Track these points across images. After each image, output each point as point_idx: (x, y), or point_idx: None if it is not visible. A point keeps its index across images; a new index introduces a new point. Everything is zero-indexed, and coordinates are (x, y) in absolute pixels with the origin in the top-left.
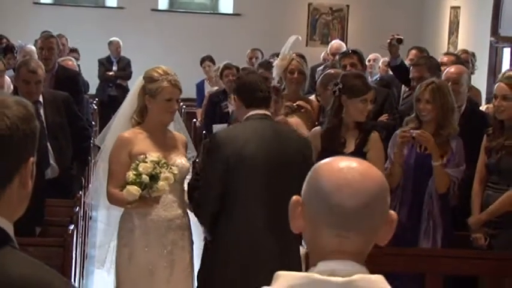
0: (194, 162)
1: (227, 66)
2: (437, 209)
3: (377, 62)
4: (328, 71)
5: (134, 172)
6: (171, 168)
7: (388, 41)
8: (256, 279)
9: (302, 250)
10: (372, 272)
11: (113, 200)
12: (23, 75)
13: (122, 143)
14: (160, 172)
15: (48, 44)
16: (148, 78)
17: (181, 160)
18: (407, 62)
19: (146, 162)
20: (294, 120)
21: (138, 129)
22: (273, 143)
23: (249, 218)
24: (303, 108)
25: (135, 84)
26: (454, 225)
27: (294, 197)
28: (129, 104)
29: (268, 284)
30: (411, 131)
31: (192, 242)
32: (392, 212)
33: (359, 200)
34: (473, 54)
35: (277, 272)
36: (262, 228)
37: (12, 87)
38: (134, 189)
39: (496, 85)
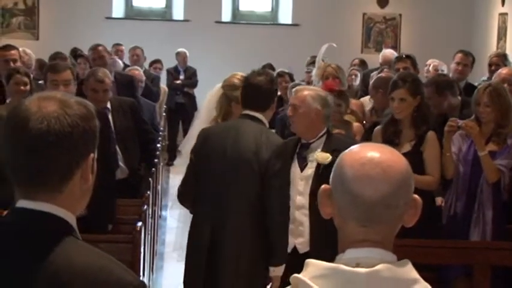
0: None
1: (280, 74)
2: (487, 201)
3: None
4: (380, 74)
5: None
6: None
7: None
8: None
9: None
10: (422, 264)
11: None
12: (91, 85)
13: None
14: None
15: (98, 53)
16: (232, 86)
17: None
18: (453, 65)
19: None
20: (356, 126)
21: None
22: (229, 141)
23: (207, 208)
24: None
25: (212, 92)
26: (506, 218)
27: (323, 186)
28: (207, 111)
29: None
30: (458, 121)
31: None
32: (416, 196)
33: (382, 194)
34: (504, 56)
35: (307, 259)
36: (217, 220)
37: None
38: None
39: None
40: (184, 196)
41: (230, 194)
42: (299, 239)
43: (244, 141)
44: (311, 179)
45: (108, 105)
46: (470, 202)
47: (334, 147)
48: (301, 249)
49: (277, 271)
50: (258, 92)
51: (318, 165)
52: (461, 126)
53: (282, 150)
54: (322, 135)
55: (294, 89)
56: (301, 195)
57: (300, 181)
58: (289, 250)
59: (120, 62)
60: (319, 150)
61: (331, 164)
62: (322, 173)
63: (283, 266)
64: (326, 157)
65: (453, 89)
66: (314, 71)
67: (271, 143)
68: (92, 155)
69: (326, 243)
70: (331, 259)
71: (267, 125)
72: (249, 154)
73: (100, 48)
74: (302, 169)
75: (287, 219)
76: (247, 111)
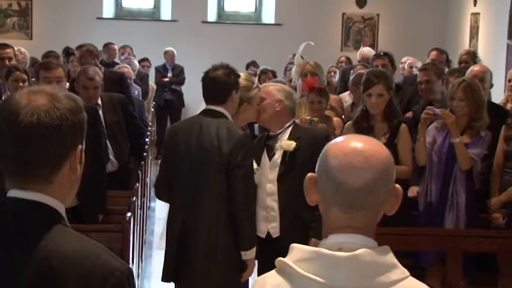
0: None
1: (263, 71)
2: (461, 188)
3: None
4: (359, 71)
5: None
6: None
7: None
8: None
9: None
10: (399, 251)
11: None
12: (82, 82)
13: None
14: None
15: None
16: (243, 88)
17: None
18: (428, 62)
19: None
20: (336, 120)
21: None
22: (194, 137)
23: (179, 201)
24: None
25: None
26: (479, 206)
27: (309, 174)
28: None
29: None
30: (435, 109)
31: None
32: (397, 185)
33: (364, 181)
34: (474, 54)
35: (292, 244)
36: (188, 212)
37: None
38: None
39: None
40: (160, 191)
41: (199, 186)
42: (272, 223)
43: (207, 135)
44: (278, 167)
45: (99, 101)
46: (445, 190)
47: (299, 135)
48: (274, 233)
49: (248, 254)
50: (215, 85)
51: (285, 152)
52: (437, 114)
53: (252, 144)
54: (288, 126)
55: (262, 85)
56: (271, 183)
57: (269, 169)
58: (263, 235)
59: (135, 61)
60: (285, 139)
61: (296, 150)
62: (289, 160)
63: (254, 249)
64: (290, 144)
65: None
66: (293, 69)
67: (231, 136)
68: (80, 146)
69: (294, 227)
70: (301, 242)
71: (229, 116)
72: (212, 148)
73: (83, 48)
74: (270, 158)
75: (251, 207)
76: (208, 106)
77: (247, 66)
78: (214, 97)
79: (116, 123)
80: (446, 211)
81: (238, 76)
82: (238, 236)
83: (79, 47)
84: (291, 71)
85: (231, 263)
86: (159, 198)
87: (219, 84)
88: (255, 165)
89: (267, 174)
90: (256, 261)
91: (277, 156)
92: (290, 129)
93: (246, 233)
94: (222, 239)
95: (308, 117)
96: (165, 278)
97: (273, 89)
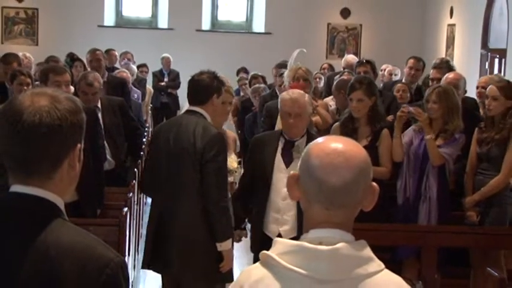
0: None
1: (254, 76)
2: (433, 183)
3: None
4: (342, 77)
5: None
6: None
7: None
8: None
9: None
10: (376, 246)
11: None
12: (82, 88)
13: None
14: None
15: (95, 56)
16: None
17: (230, 155)
18: (406, 69)
19: None
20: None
21: None
22: (172, 135)
23: (158, 194)
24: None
25: None
26: (451, 204)
27: (292, 172)
28: None
29: None
30: (409, 108)
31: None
32: (374, 184)
33: (344, 180)
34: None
35: (275, 238)
36: (166, 206)
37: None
38: None
39: (488, 88)
40: (144, 186)
41: (176, 181)
42: (284, 226)
43: (184, 133)
44: None
45: (99, 104)
46: (420, 185)
47: None
48: (285, 235)
49: (223, 246)
50: (197, 87)
51: None
52: (410, 112)
53: (225, 143)
54: (304, 134)
55: (292, 97)
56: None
57: (287, 175)
58: (273, 236)
59: (133, 66)
60: (303, 146)
61: None
62: None
63: (229, 240)
64: None
65: None
66: (286, 73)
67: (206, 134)
68: (79, 145)
69: None
70: None
71: (208, 118)
72: (187, 144)
73: (98, 52)
74: (287, 164)
75: (224, 200)
76: (190, 107)
77: (238, 72)
78: (196, 99)
79: (114, 125)
80: (420, 205)
81: (222, 83)
82: (213, 228)
83: (91, 52)
84: (282, 75)
85: (209, 255)
86: (144, 193)
87: (202, 87)
88: (235, 166)
89: (284, 178)
90: None
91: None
92: (306, 137)
93: (219, 225)
94: (198, 231)
95: None
96: (144, 266)
97: (307, 103)
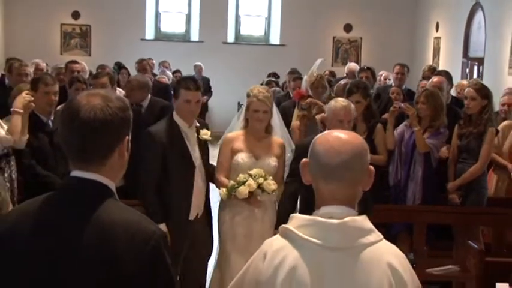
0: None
1: (268, 82)
2: (419, 166)
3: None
4: (340, 82)
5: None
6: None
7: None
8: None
9: None
10: (373, 222)
11: (217, 183)
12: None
13: (227, 141)
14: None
15: (142, 66)
16: (247, 95)
17: (269, 160)
18: (393, 75)
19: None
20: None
21: (241, 131)
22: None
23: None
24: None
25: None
26: (436, 186)
27: (303, 160)
28: (239, 115)
29: None
30: (400, 104)
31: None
32: (371, 166)
33: (341, 158)
34: (434, 69)
35: (291, 214)
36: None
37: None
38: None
39: (467, 90)
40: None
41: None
42: None
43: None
44: None
45: (145, 103)
46: (408, 171)
47: None
48: None
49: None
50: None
51: None
52: (401, 107)
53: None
54: None
55: (344, 105)
56: None
57: None
58: None
59: (169, 72)
60: None
61: None
62: None
63: (163, 224)
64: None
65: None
66: (305, 78)
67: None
68: (127, 137)
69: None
70: None
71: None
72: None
73: (144, 62)
74: None
75: (147, 194)
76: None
77: (269, 75)
78: None
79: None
80: (408, 184)
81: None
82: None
83: (139, 61)
84: (301, 80)
85: None
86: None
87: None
88: (273, 188)
89: None
90: None
91: None
92: None
93: (149, 212)
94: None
95: None
96: None
97: (353, 110)
